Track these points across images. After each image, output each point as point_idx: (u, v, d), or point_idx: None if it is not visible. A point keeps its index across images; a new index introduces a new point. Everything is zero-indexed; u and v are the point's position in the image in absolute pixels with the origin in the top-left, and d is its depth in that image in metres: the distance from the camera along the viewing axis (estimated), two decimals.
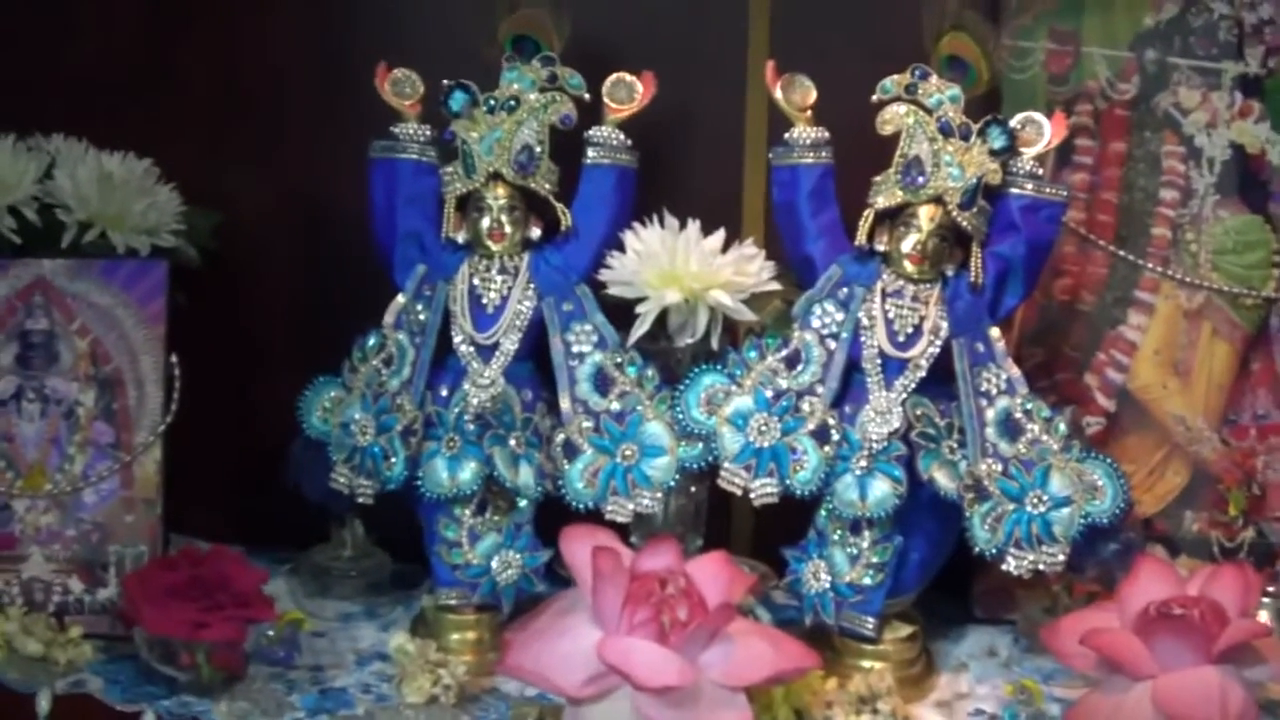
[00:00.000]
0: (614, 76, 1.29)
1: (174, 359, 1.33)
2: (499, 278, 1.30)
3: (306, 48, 1.47)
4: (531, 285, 1.29)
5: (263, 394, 1.44)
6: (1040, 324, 1.38)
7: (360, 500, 1.30)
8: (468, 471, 1.28)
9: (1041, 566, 1.20)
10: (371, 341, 1.32)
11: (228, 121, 1.48)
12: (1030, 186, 1.23)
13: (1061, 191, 1.24)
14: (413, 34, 1.43)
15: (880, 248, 1.24)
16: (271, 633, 1.28)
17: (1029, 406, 1.23)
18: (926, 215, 1.23)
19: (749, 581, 1.16)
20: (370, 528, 1.45)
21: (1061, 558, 1.20)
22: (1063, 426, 1.23)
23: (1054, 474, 1.21)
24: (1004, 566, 1.20)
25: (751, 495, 1.22)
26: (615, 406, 1.27)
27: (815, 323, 1.25)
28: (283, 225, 1.49)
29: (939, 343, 1.23)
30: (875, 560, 1.24)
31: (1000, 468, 1.21)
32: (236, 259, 1.45)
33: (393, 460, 1.29)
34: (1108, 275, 1.37)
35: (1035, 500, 1.21)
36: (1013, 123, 1.23)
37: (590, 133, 1.29)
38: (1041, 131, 1.24)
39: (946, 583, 1.32)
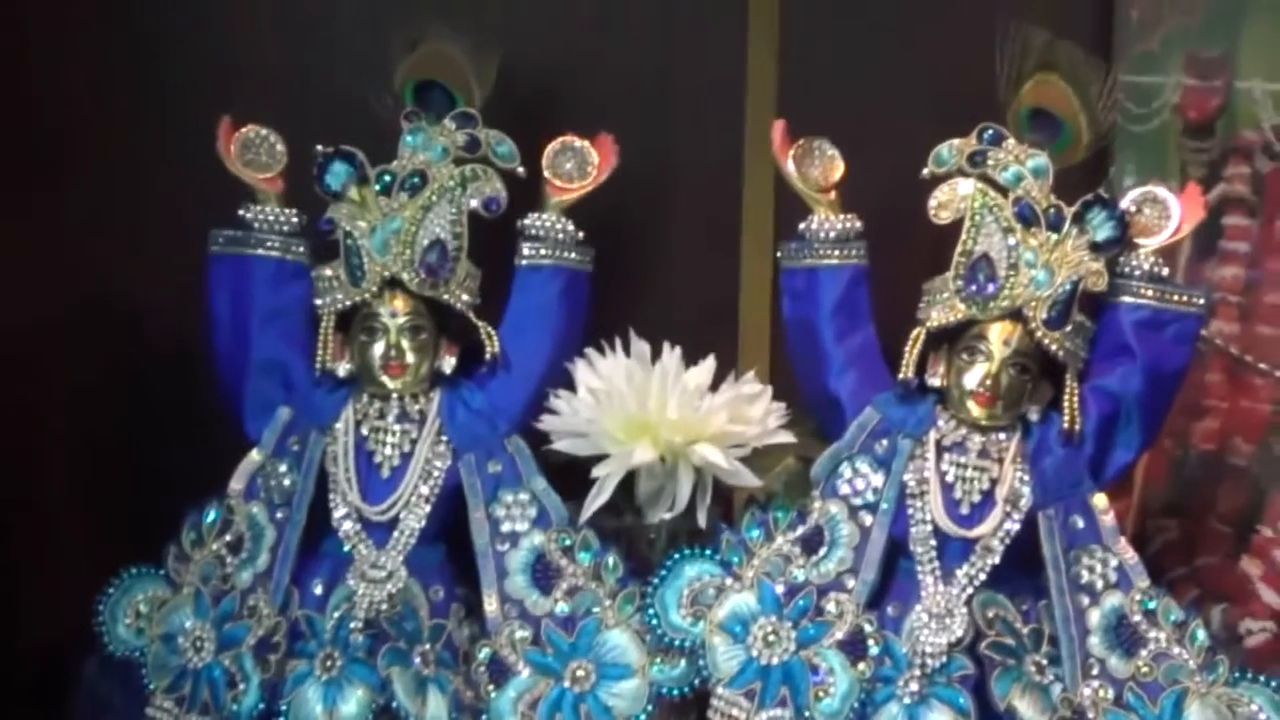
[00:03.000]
0: (558, 142, 1.17)
1: None
2: (398, 427, 1.16)
3: (111, 85, 1.27)
4: (444, 438, 1.16)
5: (36, 593, 1.27)
6: (1173, 485, 1.25)
7: None
8: (353, 703, 1.13)
9: None
10: (211, 517, 1.17)
11: None
12: (1150, 293, 1.11)
13: (1198, 299, 1.11)
14: (272, 74, 1.28)
15: (935, 383, 1.12)
16: None
17: (1152, 605, 1.10)
18: (999, 337, 1.10)
19: None
20: None
21: None
22: (1202, 634, 1.09)
23: (1192, 703, 1.07)
24: None
25: None
26: (562, 608, 1.14)
27: (844, 488, 1.12)
28: (73, 342, 1.28)
29: (1019, 516, 1.10)
30: None
31: (1112, 694, 1.08)
32: None
33: (242, 688, 1.13)
34: (1271, 413, 1.24)
35: None
36: (1124, 203, 1.10)
37: (526, 222, 1.16)
38: (1166, 213, 1.11)
39: None
